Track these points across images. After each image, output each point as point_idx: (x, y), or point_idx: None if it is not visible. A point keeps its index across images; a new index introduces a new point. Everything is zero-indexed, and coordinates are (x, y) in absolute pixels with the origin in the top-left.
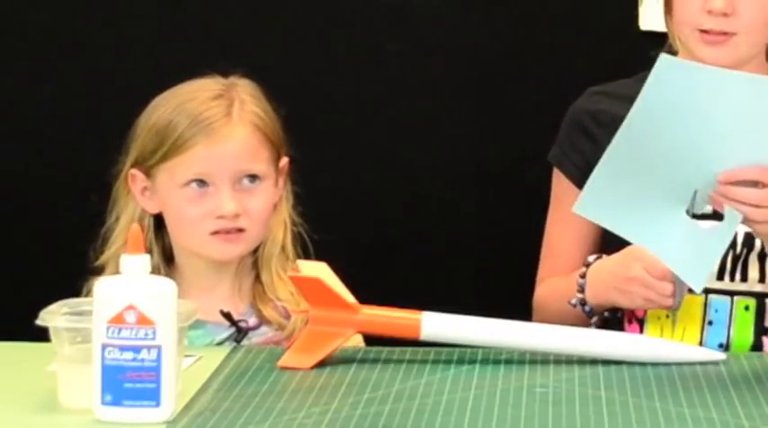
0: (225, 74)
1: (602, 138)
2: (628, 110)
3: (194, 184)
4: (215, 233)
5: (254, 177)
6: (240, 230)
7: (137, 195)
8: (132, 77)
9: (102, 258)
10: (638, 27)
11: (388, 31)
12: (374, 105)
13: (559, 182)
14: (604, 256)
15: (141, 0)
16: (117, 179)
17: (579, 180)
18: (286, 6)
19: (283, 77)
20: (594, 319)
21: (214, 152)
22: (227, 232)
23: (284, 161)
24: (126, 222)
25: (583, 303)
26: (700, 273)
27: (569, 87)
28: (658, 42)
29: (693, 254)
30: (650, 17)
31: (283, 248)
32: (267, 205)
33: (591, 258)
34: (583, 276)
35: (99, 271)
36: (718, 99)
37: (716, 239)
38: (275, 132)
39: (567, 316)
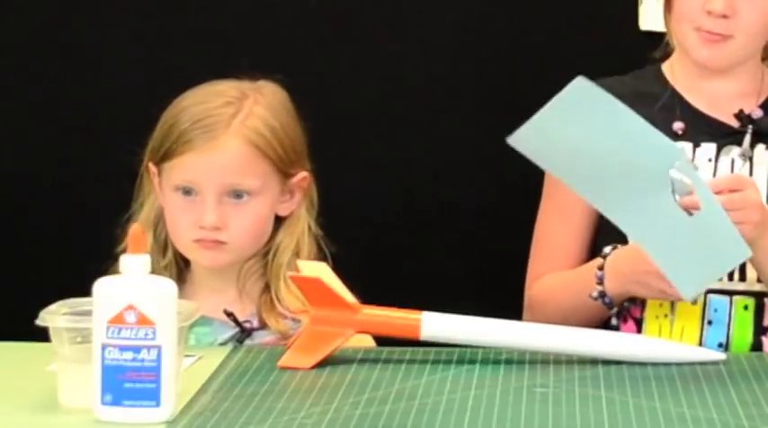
0: (257, 77)
1: None
2: (619, 94)
3: (182, 191)
4: (198, 240)
5: (242, 193)
6: (221, 242)
7: (156, 187)
8: (133, 78)
9: (124, 244)
10: (638, 27)
11: (388, 31)
12: (374, 105)
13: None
14: (619, 246)
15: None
16: (141, 166)
17: None
18: (285, 6)
19: (283, 78)
20: (614, 310)
21: (203, 161)
22: (208, 241)
23: (300, 176)
24: (148, 210)
25: (603, 295)
26: (694, 284)
27: None
28: (658, 42)
29: (693, 262)
30: (650, 17)
31: (297, 259)
32: (255, 221)
33: (607, 249)
34: (601, 268)
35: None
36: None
37: (720, 259)
38: (281, 148)
39: (575, 312)
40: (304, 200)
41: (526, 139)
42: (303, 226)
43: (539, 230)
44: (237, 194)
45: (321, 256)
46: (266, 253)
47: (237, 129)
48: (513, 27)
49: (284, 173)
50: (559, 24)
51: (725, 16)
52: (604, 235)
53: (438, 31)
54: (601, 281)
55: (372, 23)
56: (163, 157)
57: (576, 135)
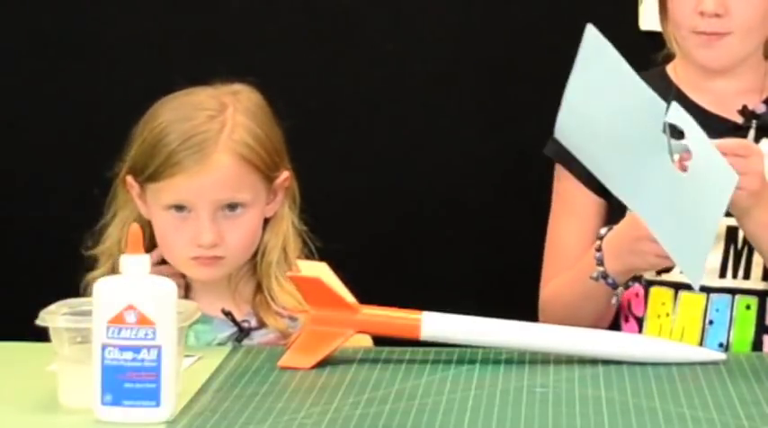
0: (231, 80)
1: None
2: None
3: (174, 210)
4: (195, 258)
5: (235, 206)
6: (219, 258)
7: (135, 198)
8: (133, 77)
9: (95, 251)
10: (638, 27)
11: (388, 31)
12: (374, 105)
13: (562, 178)
14: (614, 227)
15: (142, 0)
16: (117, 174)
17: (584, 176)
18: (285, 6)
19: (282, 78)
20: (619, 290)
21: (196, 182)
22: (206, 258)
23: (283, 177)
24: (122, 219)
25: (604, 276)
26: (697, 263)
27: None
28: (658, 42)
29: (693, 232)
30: (650, 17)
31: (285, 257)
32: (249, 231)
33: (603, 231)
34: (599, 249)
35: (92, 265)
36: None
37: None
38: (266, 155)
39: (582, 305)
40: (286, 198)
41: (567, 128)
42: (287, 224)
43: (550, 234)
44: (231, 208)
45: (307, 251)
46: (254, 253)
47: (226, 144)
48: (513, 27)
49: (270, 177)
50: (559, 24)
51: (718, 15)
52: None
53: (438, 31)
54: (600, 262)
55: (372, 23)
56: (149, 178)
57: (600, 106)
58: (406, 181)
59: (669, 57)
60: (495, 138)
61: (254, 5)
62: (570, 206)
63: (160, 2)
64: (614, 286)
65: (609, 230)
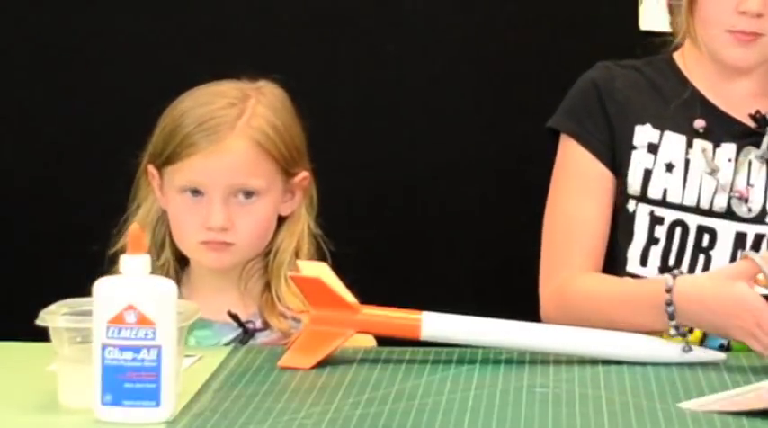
0: (255, 77)
1: (614, 113)
2: (636, 83)
3: (189, 192)
4: (204, 242)
5: (249, 193)
6: (228, 243)
7: (155, 190)
8: (134, 77)
9: (119, 245)
10: (638, 27)
11: (388, 31)
12: (374, 106)
13: (572, 152)
14: (684, 274)
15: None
16: (139, 168)
17: (598, 148)
18: (286, 6)
19: (282, 79)
20: (689, 337)
21: (210, 163)
22: (215, 243)
23: (301, 176)
24: (145, 212)
25: (677, 327)
26: None
27: (569, 87)
28: (658, 42)
29: None
30: (650, 17)
31: (297, 258)
32: (261, 221)
33: (669, 282)
34: (669, 303)
35: (116, 258)
36: None
37: None
38: (284, 148)
39: (632, 328)
40: (304, 199)
41: None
42: (303, 225)
43: (560, 212)
44: (244, 194)
45: (320, 256)
46: (267, 252)
47: (242, 130)
48: (512, 27)
49: (287, 172)
50: (559, 24)
51: (759, 15)
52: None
53: (438, 31)
54: (672, 317)
55: (372, 23)
56: (166, 161)
57: None
58: (406, 181)
59: (675, 47)
60: (495, 138)
61: (255, 6)
62: (584, 181)
63: (164, 2)
64: (684, 335)
65: (674, 277)
